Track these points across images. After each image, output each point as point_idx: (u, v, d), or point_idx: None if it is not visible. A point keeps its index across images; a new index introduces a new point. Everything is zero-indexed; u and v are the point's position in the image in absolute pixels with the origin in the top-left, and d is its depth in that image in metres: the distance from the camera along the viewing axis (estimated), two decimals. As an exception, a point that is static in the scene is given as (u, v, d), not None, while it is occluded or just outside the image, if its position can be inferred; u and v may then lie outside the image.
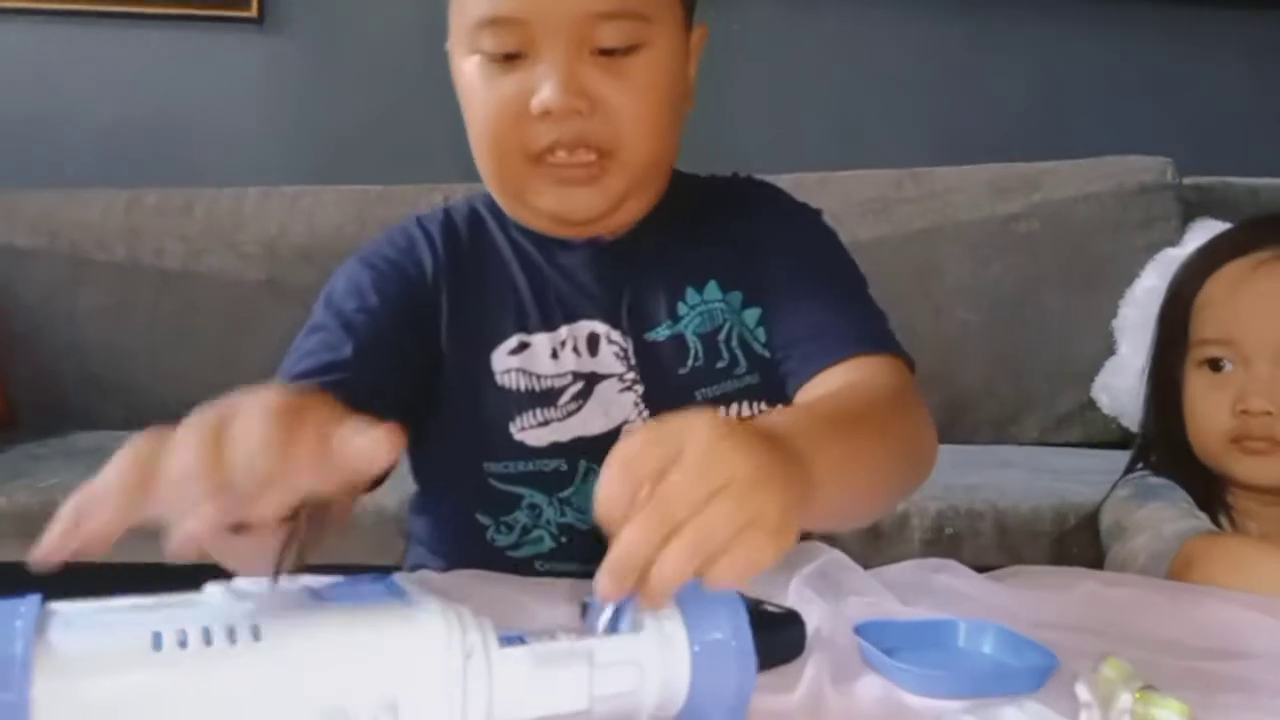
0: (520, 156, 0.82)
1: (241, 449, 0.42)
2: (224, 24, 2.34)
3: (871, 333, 0.85)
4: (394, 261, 0.90)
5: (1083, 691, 0.57)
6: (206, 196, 2.19)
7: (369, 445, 0.43)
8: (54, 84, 2.32)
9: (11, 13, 2.29)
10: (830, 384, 0.81)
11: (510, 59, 0.80)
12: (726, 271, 0.90)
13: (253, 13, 2.33)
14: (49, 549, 0.42)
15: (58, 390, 2.11)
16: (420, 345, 0.89)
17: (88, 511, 0.43)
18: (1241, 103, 2.45)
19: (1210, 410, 0.99)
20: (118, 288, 2.13)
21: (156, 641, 0.40)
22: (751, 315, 0.89)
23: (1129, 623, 0.74)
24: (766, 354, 0.89)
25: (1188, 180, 2.18)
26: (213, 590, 0.44)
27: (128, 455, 0.44)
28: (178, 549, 0.41)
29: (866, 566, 0.82)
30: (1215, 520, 0.99)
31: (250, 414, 0.44)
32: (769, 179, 2.21)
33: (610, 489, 0.47)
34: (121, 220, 2.15)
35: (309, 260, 2.09)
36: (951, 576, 0.81)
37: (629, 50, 0.80)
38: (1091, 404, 2.03)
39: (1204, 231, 1.86)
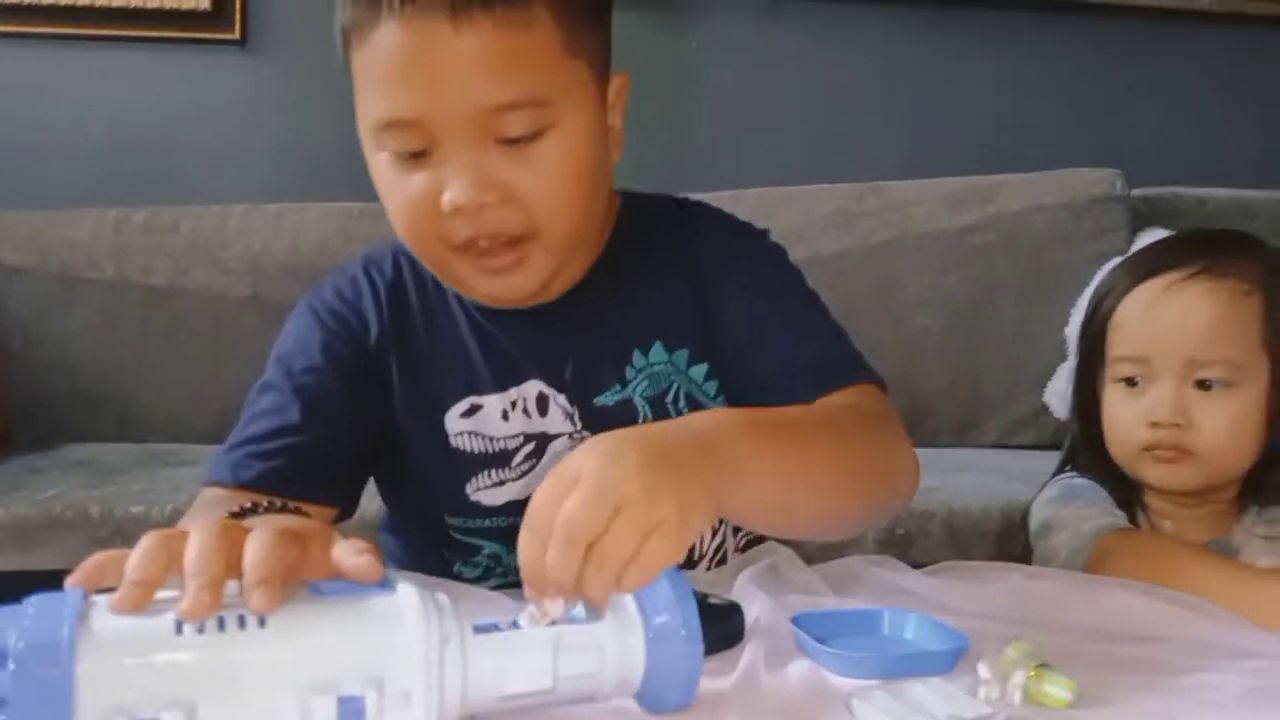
0: (442, 247, 0.81)
1: (254, 548, 0.49)
2: (208, 46, 2.35)
3: (838, 364, 0.85)
4: (341, 317, 0.90)
5: (984, 670, 0.64)
6: (192, 215, 2.20)
7: (362, 565, 0.51)
8: (44, 106, 2.34)
9: (4, 36, 2.31)
10: None
11: (416, 156, 0.78)
12: (671, 329, 0.90)
13: (236, 35, 2.35)
14: (75, 581, 0.50)
15: (50, 405, 2.13)
16: (370, 401, 0.89)
17: (105, 571, 0.50)
18: (1188, 116, 2.48)
19: (1125, 422, 1.05)
20: (107, 304, 2.15)
21: (178, 627, 0.46)
22: (699, 371, 0.90)
23: (1045, 611, 0.79)
24: (718, 406, 0.90)
25: (1137, 192, 2.22)
26: (227, 585, 0.51)
27: (155, 538, 0.51)
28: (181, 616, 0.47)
29: (816, 563, 0.87)
30: (1134, 519, 1.05)
31: (265, 529, 0.51)
32: (737, 193, 2.28)
33: (526, 551, 0.54)
34: (110, 239, 2.17)
35: (293, 276, 2.11)
36: (889, 571, 0.87)
37: (535, 135, 0.78)
38: (1045, 408, 2.02)
39: (1151, 240, 1.94)
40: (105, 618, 0.47)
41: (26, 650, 0.44)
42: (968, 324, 2.15)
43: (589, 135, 0.81)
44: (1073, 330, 1.98)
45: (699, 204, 0.98)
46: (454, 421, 0.89)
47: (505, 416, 0.88)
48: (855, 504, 0.78)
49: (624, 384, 0.89)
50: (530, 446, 0.88)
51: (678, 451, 0.58)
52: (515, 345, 0.90)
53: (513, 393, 0.89)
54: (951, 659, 0.67)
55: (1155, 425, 1.02)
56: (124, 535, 1.53)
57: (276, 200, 2.25)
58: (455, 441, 0.88)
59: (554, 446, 0.89)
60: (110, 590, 0.49)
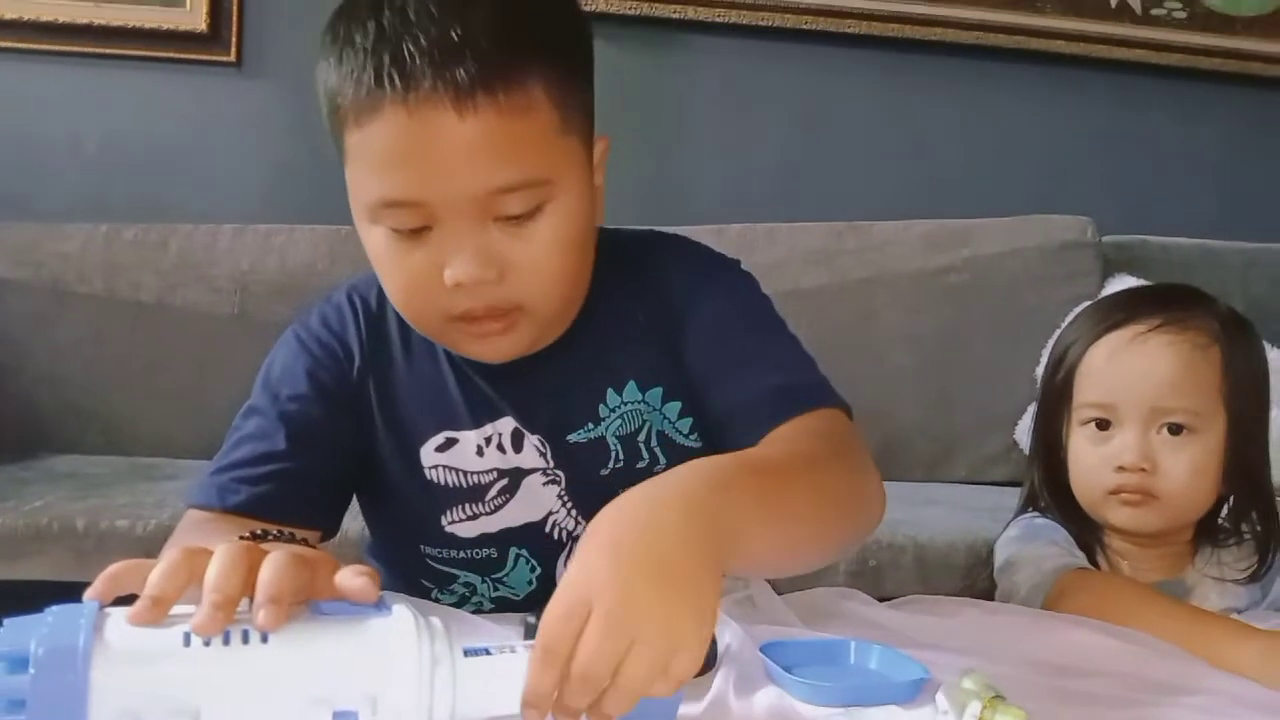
0: (439, 317, 0.82)
1: (268, 569, 0.52)
2: (203, 67, 2.37)
3: (804, 389, 0.85)
4: (327, 345, 0.91)
5: (942, 700, 0.67)
6: (182, 233, 2.22)
7: (360, 587, 0.54)
8: (39, 123, 2.35)
9: (2, 52, 2.32)
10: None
11: (415, 233, 0.78)
12: (645, 369, 0.90)
13: (231, 57, 2.37)
14: (93, 593, 0.52)
15: (37, 417, 2.14)
16: (353, 429, 0.90)
17: (121, 581, 0.53)
18: (1157, 167, 2.52)
19: (1092, 466, 1.08)
20: (96, 319, 2.16)
21: (186, 640, 0.49)
22: (672, 409, 0.91)
23: (1000, 644, 0.83)
24: (692, 444, 0.91)
25: (1107, 238, 2.26)
26: (235, 602, 0.54)
27: (179, 555, 0.53)
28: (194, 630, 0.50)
29: (787, 594, 0.90)
30: (1094, 559, 1.09)
31: (281, 552, 0.54)
32: (719, 228, 2.31)
33: (540, 682, 0.53)
34: (101, 254, 2.18)
35: (280, 296, 2.13)
36: (857, 603, 0.91)
37: (533, 212, 0.79)
38: (1016, 445, 2.09)
39: (1120, 285, 1.98)
40: (119, 628, 0.49)
41: (45, 656, 0.47)
42: (941, 362, 2.19)
43: (581, 207, 0.82)
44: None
45: (673, 237, 0.98)
46: (429, 455, 0.90)
47: (480, 452, 0.89)
48: (834, 536, 0.78)
49: (597, 422, 0.90)
50: (504, 482, 0.90)
51: (685, 564, 0.57)
52: (491, 386, 0.90)
53: (488, 429, 0.90)
54: (913, 689, 0.70)
55: (1121, 469, 1.05)
56: (108, 548, 1.54)
57: (266, 221, 2.26)
58: (430, 474, 0.90)
59: (527, 482, 0.90)
60: (126, 600, 0.52)
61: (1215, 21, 2.52)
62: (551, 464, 0.90)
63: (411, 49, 0.74)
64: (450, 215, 0.77)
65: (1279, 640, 0.86)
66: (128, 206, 2.30)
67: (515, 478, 0.90)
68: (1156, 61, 2.51)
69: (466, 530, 0.90)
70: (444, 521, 0.90)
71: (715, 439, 0.89)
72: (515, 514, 0.90)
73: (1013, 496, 1.22)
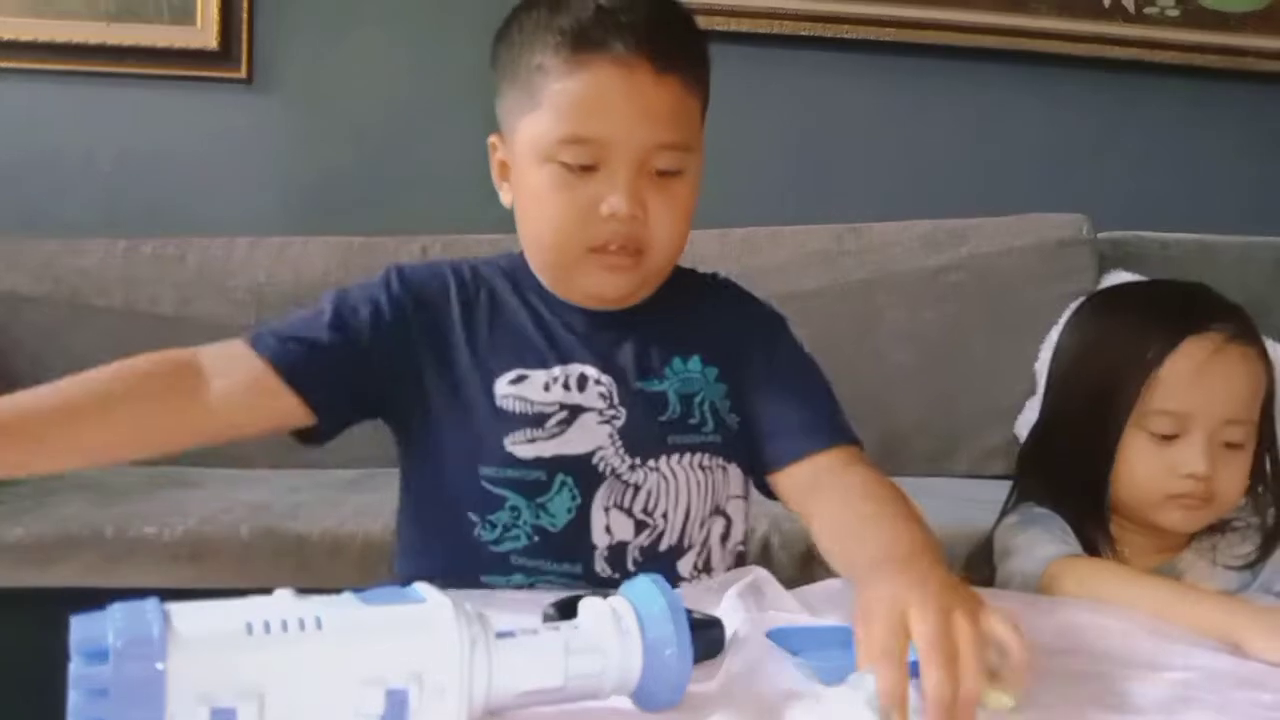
0: (582, 248, 0.99)
1: None
2: (215, 84, 2.41)
3: (836, 427, 1.03)
4: (418, 295, 1.06)
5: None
6: (198, 246, 2.25)
7: None
8: (58, 139, 2.39)
9: (18, 73, 2.37)
10: (806, 470, 1.01)
11: (584, 170, 0.97)
12: (708, 351, 1.06)
13: (242, 74, 2.41)
14: None
15: (59, 429, 2.18)
16: (392, 362, 1.02)
17: None
18: (1152, 164, 2.55)
19: (1153, 471, 1.08)
20: (115, 332, 2.17)
21: (249, 628, 0.55)
22: (721, 389, 1.06)
23: None
24: (731, 424, 1.05)
25: (1103, 235, 2.29)
26: (281, 593, 0.59)
27: None
28: None
29: (798, 584, 0.96)
30: (1095, 545, 1.11)
31: None
32: (724, 231, 2.37)
33: (892, 684, 0.63)
34: (119, 268, 2.21)
35: (295, 306, 2.01)
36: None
37: (676, 173, 0.99)
38: (1016, 439, 2.11)
39: (1117, 281, 2.01)
40: (185, 620, 0.55)
41: (125, 647, 0.51)
42: (942, 359, 2.22)
43: (698, 185, 1.02)
44: (1045, 366, 2.06)
45: (728, 280, 1.18)
46: (502, 387, 1.02)
47: (547, 388, 1.02)
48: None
49: (663, 379, 1.05)
50: (564, 414, 1.01)
51: (933, 561, 0.78)
52: (571, 335, 1.05)
53: (556, 370, 1.03)
54: (914, 669, 0.72)
55: (1189, 477, 1.07)
56: (136, 555, 1.58)
57: (280, 233, 2.30)
58: (500, 403, 1.02)
59: (584, 418, 1.02)
60: (177, 596, 0.57)
61: (1208, 19, 2.55)
62: (616, 403, 1.03)
63: (626, 20, 0.96)
64: (619, 158, 0.96)
65: (1242, 602, 0.92)
66: (142, 221, 2.34)
67: (574, 412, 1.02)
68: (1150, 59, 2.53)
69: (524, 451, 1.00)
70: (506, 442, 1.00)
71: (751, 441, 1.05)
72: (568, 443, 1.01)
73: (1012, 490, 1.25)
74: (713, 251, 2.12)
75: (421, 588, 0.61)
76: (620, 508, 1.01)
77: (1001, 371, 2.17)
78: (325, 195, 2.43)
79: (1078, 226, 2.27)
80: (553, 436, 1.01)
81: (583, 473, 1.01)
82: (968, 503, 1.77)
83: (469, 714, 0.58)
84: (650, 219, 0.98)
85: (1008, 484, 1.43)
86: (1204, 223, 2.41)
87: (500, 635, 0.61)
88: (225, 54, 2.41)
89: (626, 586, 0.68)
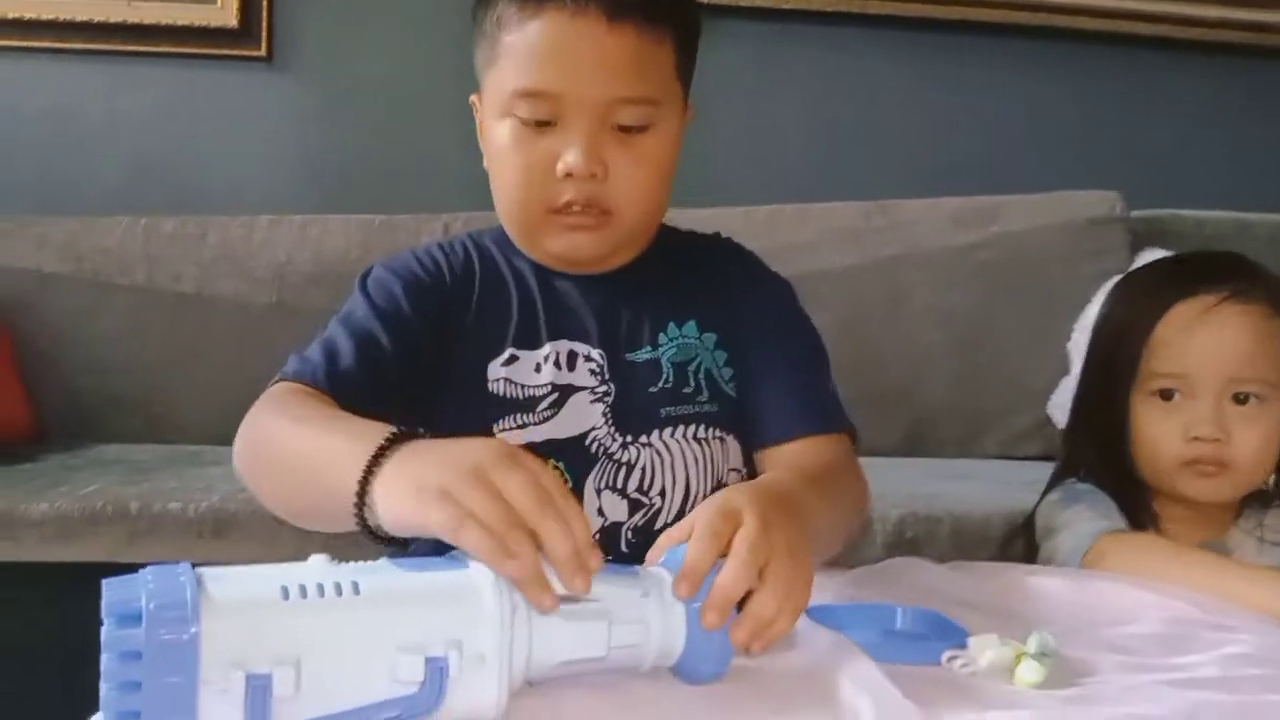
0: (541, 208, 0.95)
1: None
2: (235, 62, 2.41)
3: (827, 412, 0.99)
4: (417, 273, 1.01)
5: (973, 645, 0.70)
6: (219, 225, 2.25)
7: None
8: (79, 119, 2.39)
9: (39, 52, 2.37)
10: (791, 453, 0.97)
11: (541, 125, 0.93)
12: (705, 316, 1.02)
13: (262, 52, 2.40)
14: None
15: (81, 407, 2.18)
16: (431, 345, 0.98)
17: None
18: (1187, 140, 2.52)
19: (1162, 437, 1.08)
20: (137, 310, 2.20)
21: (284, 593, 0.53)
22: (720, 356, 1.01)
23: (1041, 601, 0.87)
24: (729, 391, 1.01)
25: (1136, 213, 2.26)
26: (316, 559, 0.57)
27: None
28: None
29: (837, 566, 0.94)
30: (1140, 522, 1.10)
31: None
32: (748, 210, 2.34)
33: (699, 557, 0.63)
34: (140, 247, 2.22)
35: (316, 284, 2.17)
36: (916, 571, 0.95)
37: (641, 129, 0.94)
38: (1047, 420, 2.09)
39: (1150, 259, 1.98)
40: (219, 584, 0.53)
41: (158, 610, 0.50)
42: (971, 339, 2.19)
43: (674, 142, 0.98)
44: (1076, 346, 2.06)
45: (732, 241, 1.12)
46: (494, 369, 0.98)
47: (538, 369, 0.98)
48: (845, 537, 0.93)
49: (655, 346, 1.01)
50: (555, 396, 0.98)
51: (796, 515, 0.73)
52: (560, 306, 1.01)
53: (547, 348, 0.99)
54: (939, 650, 0.71)
55: (1197, 440, 1.06)
56: (161, 530, 1.58)
57: (301, 211, 2.30)
58: (492, 386, 0.98)
59: (575, 398, 0.98)
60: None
61: (1239, -6, 2.52)
62: (606, 377, 0.99)
63: None
64: (576, 113, 0.92)
65: None
66: (163, 200, 2.34)
67: (565, 393, 0.98)
68: (1182, 35, 2.50)
69: (514, 438, 0.97)
70: (495, 429, 0.97)
71: (746, 407, 1.01)
72: (560, 427, 0.97)
73: (1047, 470, 1.24)
74: (737, 230, 2.02)
75: (462, 553, 0.59)
76: (613, 488, 0.97)
77: (1032, 351, 2.14)
78: (346, 173, 2.42)
79: (1110, 204, 2.24)
80: (544, 421, 0.97)
81: (575, 455, 0.97)
82: (1001, 484, 1.77)
83: (509, 684, 0.56)
84: (613, 177, 0.93)
85: (1040, 466, 1.42)
86: (1240, 200, 2.37)
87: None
88: (245, 32, 2.41)
89: (669, 556, 0.66)
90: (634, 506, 0.97)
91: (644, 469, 0.97)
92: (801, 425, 0.97)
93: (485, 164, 1.00)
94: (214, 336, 2.21)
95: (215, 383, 2.16)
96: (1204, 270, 1.12)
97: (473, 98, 1.01)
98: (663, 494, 0.98)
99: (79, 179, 2.38)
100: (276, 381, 0.91)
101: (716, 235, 1.12)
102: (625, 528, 0.97)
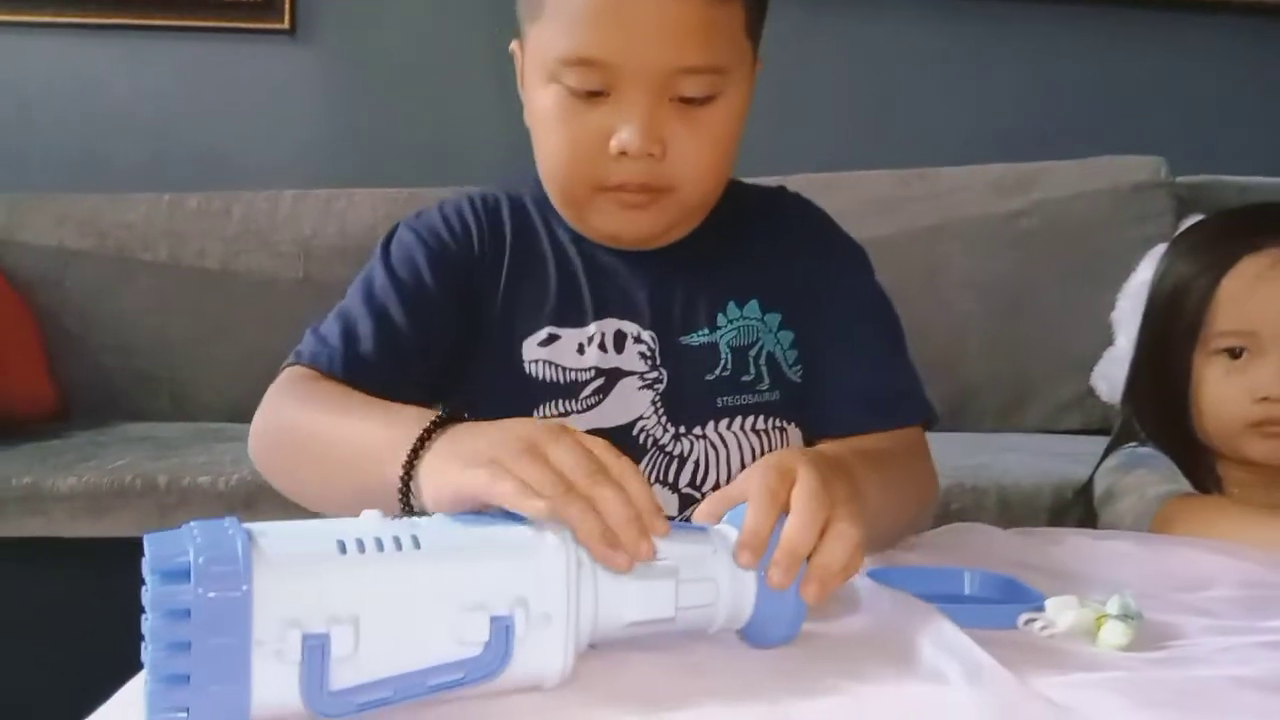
0: (589, 185, 0.85)
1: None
2: (258, 35, 2.40)
3: (898, 405, 0.91)
4: (444, 239, 0.92)
5: (1051, 607, 0.66)
6: (244, 199, 2.24)
7: None
8: (101, 94, 2.38)
9: (62, 27, 2.36)
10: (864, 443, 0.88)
11: (592, 96, 0.82)
12: (768, 293, 0.93)
13: (285, 25, 2.39)
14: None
15: (106, 383, 2.17)
16: (458, 319, 0.91)
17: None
18: (1231, 104, 2.47)
19: (1229, 397, 1.05)
20: (162, 286, 2.19)
21: (341, 547, 0.49)
22: (785, 337, 0.92)
23: (1113, 566, 0.84)
24: (794, 377, 0.92)
25: (1180, 179, 2.22)
26: (369, 514, 0.54)
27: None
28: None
29: None
30: (1203, 487, 1.07)
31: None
32: (781, 179, 2.31)
33: (759, 524, 0.58)
34: (165, 222, 2.21)
35: (342, 259, 2.15)
36: (973, 534, 0.92)
37: (705, 100, 0.83)
38: (1090, 392, 1.97)
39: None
40: (271, 538, 0.49)
41: (207, 565, 0.46)
42: (1012, 308, 2.16)
43: (743, 109, 0.87)
44: (1121, 315, 2.01)
45: (801, 196, 1.02)
46: (531, 349, 0.90)
47: (581, 350, 0.90)
48: (909, 526, 0.88)
49: (713, 329, 0.92)
50: (600, 381, 0.90)
51: (848, 479, 0.66)
52: (607, 283, 0.92)
53: (591, 328, 0.90)
54: (1014, 614, 0.68)
55: (1265, 400, 1.03)
56: (190, 504, 1.57)
57: (326, 186, 2.29)
58: (529, 368, 0.90)
59: (623, 384, 0.90)
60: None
61: (1285, -43, 2.45)
62: (656, 362, 0.91)
63: None
64: (631, 84, 0.81)
65: None
66: (187, 175, 2.33)
67: (612, 378, 0.90)
68: (1224, -1, 2.45)
69: None
70: (535, 416, 0.89)
71: (811, 392, 0.93)
72: (606, 415, 0.90)
73: (1091, 444, 1.21)
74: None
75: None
76: (664, 482, 0.90)
77: (1075, 321, 2.07)
78: (371, 146, 2.41)
79: (1155, 169, 2.20)
80: (588, 409, 0.90)
81: (622, 446, 0.89)
82: (1046, 455, 1.75)
83: (575, 644, 0.53)
84: (673, 155, 0.83)
85: (1086, 440, 1.38)
86: (1281, 166, 2.34)
87: None
88: (268, 4, 2.40)
89: (732, 515, 0.62)
90: (685, 502, 0.90)
91: (697, 462, 0.90)
92: (870, 420, 0.89)
93: (525, 119, 0.90)
94: (239, 313, 2.20)
95: (241, 359, 2.15)
96: (1269, 223, 1.08)
97: (513, 45, 0.91)
98: (716, 490, 0.91)
99: (101, 154, 2.37)
100: (290, 364, 0.86)
101: (783, 190, 1.02)
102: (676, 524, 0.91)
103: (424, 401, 0.87)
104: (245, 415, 0.85)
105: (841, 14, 2.44)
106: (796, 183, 2.10)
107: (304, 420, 0.79)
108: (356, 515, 0.53)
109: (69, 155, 2.36)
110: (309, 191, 2.27)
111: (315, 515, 0.68)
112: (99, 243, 2.20)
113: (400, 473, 0.64)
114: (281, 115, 2.42)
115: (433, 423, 0.65)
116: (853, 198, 2.16)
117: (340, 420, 0.76)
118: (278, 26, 2.40)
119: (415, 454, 0.64)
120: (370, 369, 0.84)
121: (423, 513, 0.62)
